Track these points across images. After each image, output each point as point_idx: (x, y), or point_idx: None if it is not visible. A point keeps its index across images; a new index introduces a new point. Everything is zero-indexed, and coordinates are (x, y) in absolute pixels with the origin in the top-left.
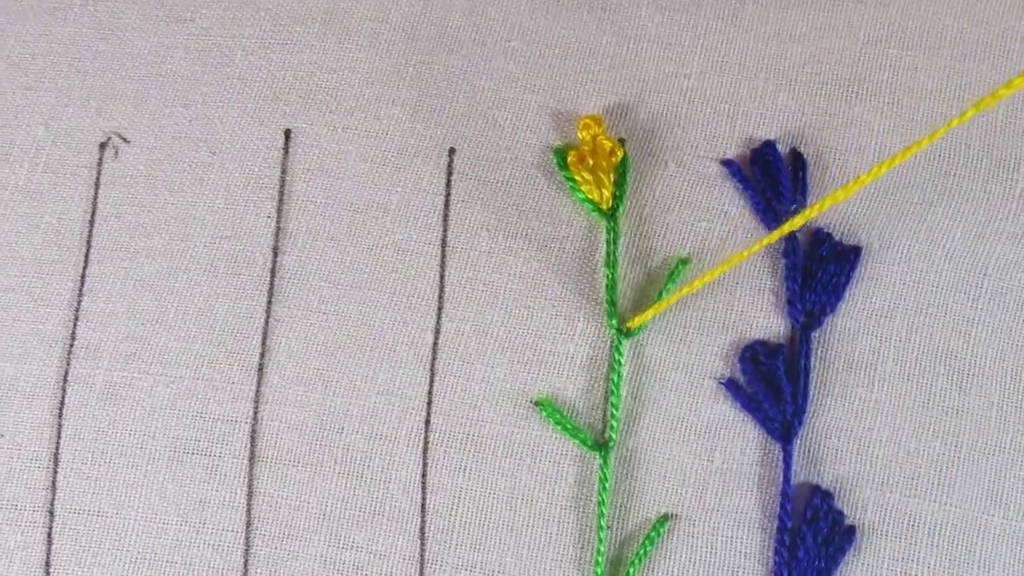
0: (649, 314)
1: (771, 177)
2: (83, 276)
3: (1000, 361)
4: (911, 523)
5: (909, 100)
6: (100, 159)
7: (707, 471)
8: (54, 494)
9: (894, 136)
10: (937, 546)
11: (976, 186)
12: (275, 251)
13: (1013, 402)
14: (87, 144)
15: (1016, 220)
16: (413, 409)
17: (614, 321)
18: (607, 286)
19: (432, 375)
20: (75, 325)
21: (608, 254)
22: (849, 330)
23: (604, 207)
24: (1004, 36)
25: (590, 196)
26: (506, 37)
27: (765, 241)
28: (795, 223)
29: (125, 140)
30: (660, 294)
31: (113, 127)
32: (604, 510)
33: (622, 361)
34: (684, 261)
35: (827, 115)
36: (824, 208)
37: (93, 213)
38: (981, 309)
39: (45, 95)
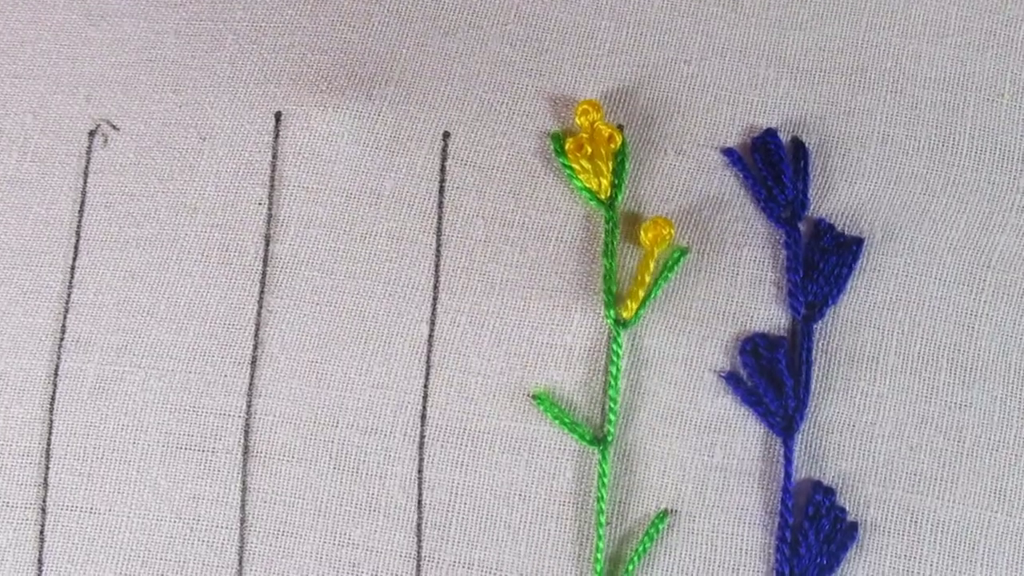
0: (641, 300)
1: (772, 166)
2: (72, 267)
3: (1004, 355)
4: (914, 520)
5: (912, 88)
6: (89, 147)
7: (707, 467)
8: (46, 491)
9: (897, 124)
10: (940, 543)
11: (980, 177)
12: (267, 239)
13: (1017, 397)
14: (76, 132)
15: (1020, 212)
16: (409, 403)
17: (611, 312)
18: (604, 276)
19: (428, 368)
20: (65, 318)
21: (606, 244)
22: (851, 322)
23: (602, 196)
24: (1008, 25)
25: (588, 185)
26: (503, 20)
27: None
28: None
29: (114, 127)
30: (658, 283)
31: (102, 114)
32: (603, 506)
33: (620, 352)
34: (683, 251)
35: (830, 103)
36: None
37: (82, 203)
38: (985, 302)
39: (34, 83)
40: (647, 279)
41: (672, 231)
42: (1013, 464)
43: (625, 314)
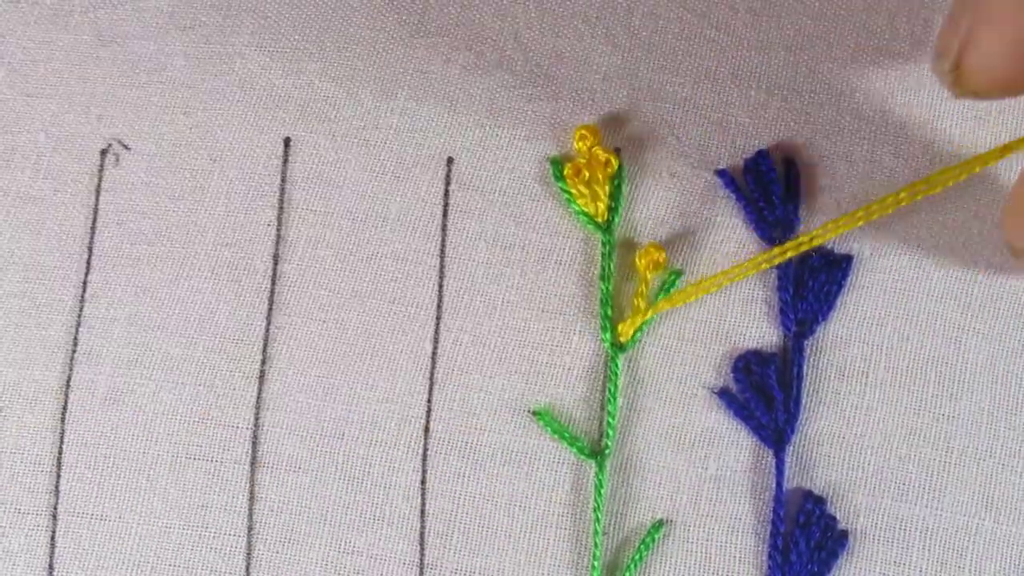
0: (637, 323)
1: (764, 187)
2: (85, 282)
3: (990, 367)
4: (903, 528)
5: (898, 108)
6: (101, 166)
7: (701, 478)
8: (57, 498)
9: (884, 143)
10: (929, 550)
11: (965, 195)
12: (275, 259)
13: (1003, 408)
14: (88, 151)
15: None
16: (413, 416)
17: (608, 335)
18: (602, 300)
19: (431, 383)
20: (77, 331)
21: (603, 267)
22: (841, 338)
23: (599, 220)
24: None
25: (585, 209)
26: (501, 47)
27: (760, 259)
28: (790, 249)
29: (126, 147)
30: (652, 306)
31: (114, 134)
32: (600, 516)
33: (618, 373)
34: (677, 273)
35: (818, 123)
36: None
37: (94, 220)
38: (972, 316)
39: (46, 102)
40: (643, 304)
41: (665, 257)
42: (1000, 473)
43: (622, 338)
